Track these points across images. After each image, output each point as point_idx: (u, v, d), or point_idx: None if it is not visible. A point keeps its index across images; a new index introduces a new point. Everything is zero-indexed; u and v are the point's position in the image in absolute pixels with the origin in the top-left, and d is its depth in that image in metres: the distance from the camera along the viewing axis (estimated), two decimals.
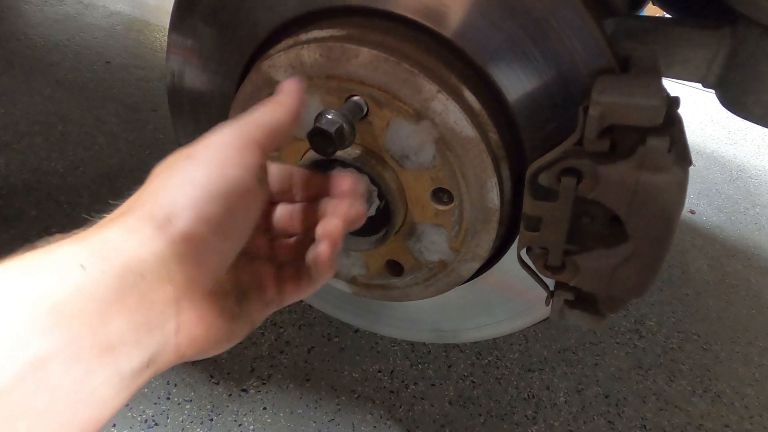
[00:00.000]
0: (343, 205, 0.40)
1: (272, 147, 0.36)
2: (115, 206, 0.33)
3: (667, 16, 0.89)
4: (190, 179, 0.32)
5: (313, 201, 0.43)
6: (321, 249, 0.38)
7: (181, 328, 0.31)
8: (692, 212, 1.61)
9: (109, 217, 0.32)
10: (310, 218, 0.42)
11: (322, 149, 0.42)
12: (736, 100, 0.68)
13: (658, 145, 0.40)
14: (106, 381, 0.27)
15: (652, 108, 0.39)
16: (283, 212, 0.42)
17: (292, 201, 0.43)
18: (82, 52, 1.91)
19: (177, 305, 0.31)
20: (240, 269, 0.37)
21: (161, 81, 1.77)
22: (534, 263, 0.50)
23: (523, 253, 0.51)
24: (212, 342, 0.34)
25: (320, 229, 0.39)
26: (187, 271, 0.31)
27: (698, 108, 2.22)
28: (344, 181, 0.41)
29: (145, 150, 1.48)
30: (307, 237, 0.42)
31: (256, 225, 0.36)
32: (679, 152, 0.42)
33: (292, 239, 0.42)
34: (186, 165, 0.32)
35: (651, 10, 0.99)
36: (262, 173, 0.35)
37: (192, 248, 0.31)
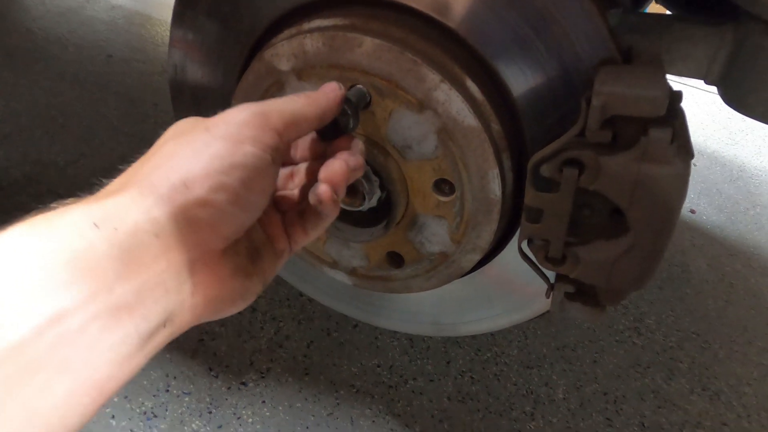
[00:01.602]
0: (345, 154, 0.42)
1: (290, 134, 0.37)
2: (123, 170, 0.33)
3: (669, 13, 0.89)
4: (208, 150, 0.32)
5: (312, 161, 0.45)
6: (322, 188, 0.39)
7: (197, 288, 0.32)
8: (692, 212, 1.61)
9: (118, 180, 0.32)
10: (310, 175, 0.44)
11: (327, 133, 0.42)
12: (738, 98, 0.68)
13: (660, 136, 0.40)
14: (124, 339, 0.27)
15: (654, 98, 0.39)
16: (284, 171, 0.44)
17: (292, 162, 0.45)
18: (84, 45, 1.90)
19: (192, 267, 0.31)
20: (252, 230, 0.38)
21: (162, 75, 1.77)
22: (535, 255, 0.50)
23: (524, 245, 0.51)
24: (227, 301, 0.35)
25: (323, 172, 0.40)
26: (202, 235, 0.32)
27: (699, 108, 2.22)
28: (344, 138, 0.44)
29: (146, 144, 1.47)
30: (309, 186, 0.43)
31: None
32: (681, 144, 0.42)
33: (295, 191, 0.44)
34: (203, 136, 0.33)
35: (653, 9, 0.99)
36: (276, 154, 0.35)
37: (208, 214, 0.32)
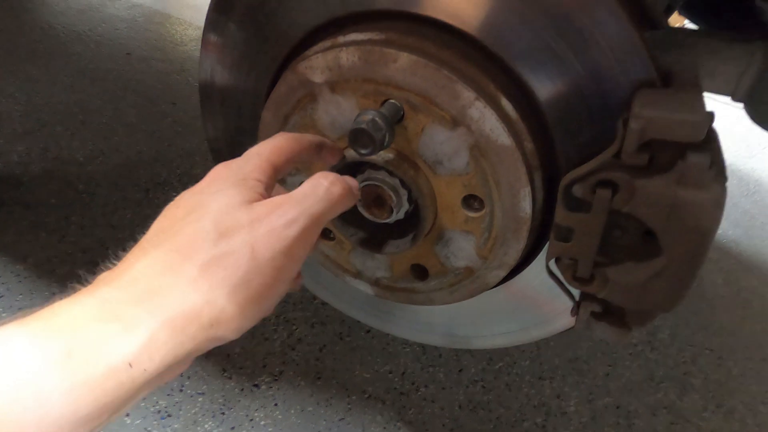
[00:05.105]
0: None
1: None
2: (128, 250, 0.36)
3: (690, 26, 0.88)
4: (236, 279, 0.34)
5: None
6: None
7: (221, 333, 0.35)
8: None
9: (129, 276, 0.33)
10: None
11: (362, 148, 0.42)
12: (766, 116, 0.67)
13: (698, 161, 0.40)
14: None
15: (694, 124, 0.39)
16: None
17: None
18: (104, 43, 1.92)
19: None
20: None
21: (181, 74, 1.78)
22: (562, 274, 0.50)
23: (552, 263, 0.51)
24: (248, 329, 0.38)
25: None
26: (232, 331, 0.35)
27: (717, 121, 2.20)
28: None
29: (163, 142, 1.49)
30: None
31: None
32: (719, 169, 0.42)
33: None
34: (229, 258, 0.34)
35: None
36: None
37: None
